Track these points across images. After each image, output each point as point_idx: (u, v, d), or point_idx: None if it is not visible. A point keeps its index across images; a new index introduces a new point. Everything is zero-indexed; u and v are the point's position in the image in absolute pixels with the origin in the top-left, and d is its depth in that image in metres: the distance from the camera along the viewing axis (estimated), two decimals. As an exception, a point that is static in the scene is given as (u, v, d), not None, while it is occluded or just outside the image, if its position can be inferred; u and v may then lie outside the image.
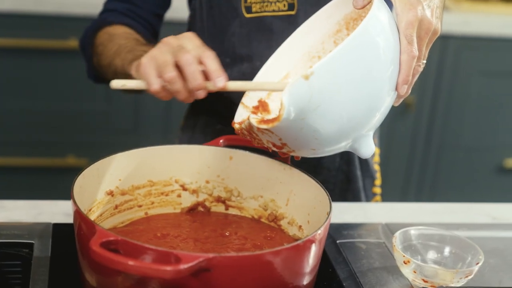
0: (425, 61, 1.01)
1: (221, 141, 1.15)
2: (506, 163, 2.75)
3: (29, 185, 2.49)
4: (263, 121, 0.94)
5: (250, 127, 0.96)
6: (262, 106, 1.04)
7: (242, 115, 1.04)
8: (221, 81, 1.01)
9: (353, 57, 0.90)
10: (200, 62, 0.99)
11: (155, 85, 0.99)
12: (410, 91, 0.98)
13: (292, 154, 1.05)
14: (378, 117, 0.98)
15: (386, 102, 0.97)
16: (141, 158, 1.12)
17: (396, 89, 0.95)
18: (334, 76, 0.90)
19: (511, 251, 1.22)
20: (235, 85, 1.04)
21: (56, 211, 1.21)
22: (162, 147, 1.15)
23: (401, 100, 0.99)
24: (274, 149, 1.01)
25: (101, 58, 1.37)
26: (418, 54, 0.97)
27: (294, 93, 0.87)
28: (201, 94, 1.01)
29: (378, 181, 1.53)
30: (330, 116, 0.93)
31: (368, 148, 0.99)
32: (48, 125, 2.45)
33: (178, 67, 0.99)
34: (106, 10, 1.46)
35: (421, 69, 1.00)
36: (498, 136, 2.74)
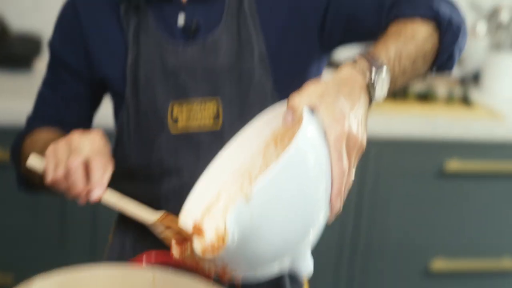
0: (353, 176, 1.03)
1: (144, 258, 1.20)
2: (432, 265, 2.72)
3: None
4: (207, 250, 0.96)
5: (193, 255, 0.99)
6: (195, 230, 1.03)
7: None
8: (95, 194, 1.08)
9: (288, 176, 0.91)
10: (87, 168, 1.06)
11: (49, 177, 1.06)
12: (342, 206, 0.99)
13: (236, 279, 1.04)
14: (315, 231, 0.99)
15: (320, 216, 0.98)
16: (61, 282, 1.10)
17: (330, 203, 0.96)
18: (273, 196, 0.90)
19: None
20: (111, 200, 1.10)
21: None
22: (83, 270, 1.14)
23: (334, 216, 0.99)
24: (215, 272, 1.02)
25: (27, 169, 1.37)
26: (348, 168, 0.98)
27: (238, 216, 0.89)
28: (81, 199, 1.09)
29: None
30: (270, 236, 0.93)
31: (307, 264, 0.99)
32: None
33: None
34: (33, 117, 1.47)
35: (351, 181, 1.01)
36: (423, 238, 2.72)
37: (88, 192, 1.09)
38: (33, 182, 1.38)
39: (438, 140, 2.61)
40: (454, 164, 2.59)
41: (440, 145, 2.62)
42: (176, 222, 1.17)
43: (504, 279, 2.85)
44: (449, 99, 2.81)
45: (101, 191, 1.09)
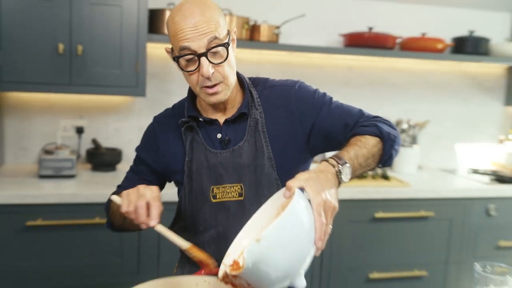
0: (331, 227, 1.19)
1: (202, 272, 1.36)
2: (370, 275, 3.22)
3: None
4: (233, 269, 1.10)
5: (226, 275, 1.14)
6: (236, 264, 1.12)
7: (222, 270, 1.20)
8: (151, 223, 1.30)
9: (286, 226, 1.09)
10: (149, 206, 1.28)
11: (123, 209, 1.30)
12: (324, 245, 1.16)
13: None
14: (307, 261, 1.16)
15: (310, 252, 1.15)
16: (153, 287, 1.32)
17: (315, 244, 1.14)
18: (275, 239, 1.07)
19: None
20: (160, 229, 1.32)
21: None
22: (164, 280, 1.33)
23: (319, 251, 1.16)
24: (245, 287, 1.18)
25: (112, 213, 1.62)
26: (326, 222, 1.16)
27: (251, 252, 1.04)
28: (143, 226, 1.31)
29: None
30: (276, 264, 1.09)
31: (302, 282, 1.16)
32: (83, 272, 2.77)
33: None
34: (119, 186, 1.73)
35: (329, 231, 1.18)
36: (364, 259, 3.24)
37: (148, 222, 1.31)
38: (115, 225, 1.60)
39: (371, 199, 3.17)
40: (380, 214, 3.19)
41: (372, 203, 3.18)
42: (197, 252, 1.37)
43: (415, 282, 3.35)
44: (375, 176, 3.44)
45: (155, 222, 1.30)
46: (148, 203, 1.30)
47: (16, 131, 3.35)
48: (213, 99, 1.48)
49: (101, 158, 3.27)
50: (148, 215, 1.30)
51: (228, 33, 1.48)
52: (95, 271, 2.81)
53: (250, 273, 1.09)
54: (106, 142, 3.49)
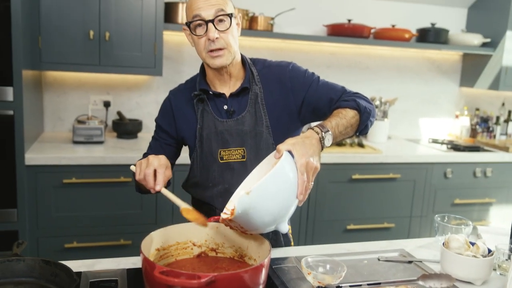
0: (312, 183, 1.20)
1: (212, 219, 1.32)
2: (348, 226, 3.26)
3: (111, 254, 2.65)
4: (226, 214, 1.16)
5: (223, 219, 1.18)
6: (232, 213, 1.14)
7: (223, 215, 1.20)
8: (156, 187, 1.31)
9: (270, 183, 1.11)
10: (156, 173, 1.31)
11: (136, 177, 1.35)
12: (305, 198, 1.19)
13: (248, 232, 1.25)
14: (290, 211, 1.19)
15: (293, 204, 1.18)
16: (171, 230, 1.31)
17: (297, 197, 1.18)
18: (263, 192, 1.10)
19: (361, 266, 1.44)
20: (165, 192, 1.32)
21: (125, 263, 1.39)
22: (182, 224, 1.34)
23: (301, 203, 1.19)
24: (239, 229, 1.23)
25: None
26: (307, 180, 1.18)
27: (241, 202, 1.08)
28: (152, 191, 1.33)
29: (292, 242, 1.73)
30: (262, 213, 1.12)
31: (285, 227, 1.20)
32: (110, 221, 2.81)
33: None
34: (144, 154, 1.70)
35: (310, 187, 1.20)
36: (343, 213, 3.26)
37: (154, 187, 1.32)
38: (142, 189, 1.54)
39: (349, 163, 3.21)
40: (356, 176, 3.23)
41: (349, 166, 3.22)
42: (188, 212, 1.33)
43: (385, 232, 3.40)
44: (352, 144, 3.47)
45: (159, 187, 1.31)
46: (155, 170, 1.31)
47: (53, 104, 3.35)
48: (217, 62, 1.48)
49: (124, 127, 3.27)
50: (155, 181, 1.31)
51: (235, 15, 1.52)
52: (119, 221, 2.84)
53: (241, 218, 1.11)
54: (129, 114, 3.50)
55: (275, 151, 1.23)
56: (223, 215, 1.14)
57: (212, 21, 1.44)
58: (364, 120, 1.47)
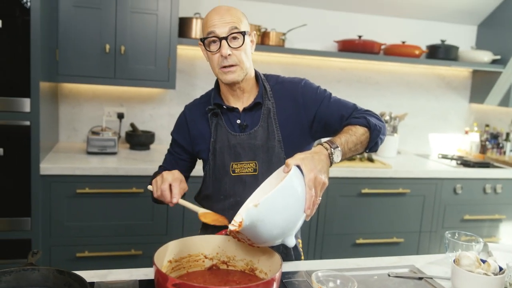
0: (320, 198, 1.20)
1: (223, 232, 1.36)
2: (357, 241, 3.21)
3: (121, 264, 2.72)
4: (233, 226, 1.14)
5: (232, 231, 1.18)
6: (239, 225, 1.14)
7: (231, 227, 1.20)
8: (173, 200, 1.34)
9: (278, 197, 1.10)
10: (171, 186, 1.34)
11: (154, 194, 1.39)
12: (313, 213, 1.18)
13: (254, 245, 1.23)
14: (297, 225, 1.18)
15: (300, 218, 1.17)
16: (184, 242, 1.31)
17: (305, 211, 1.18)
18: (271, 205, 1.09)
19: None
20: (182, 203, 1.35)
21: (137, 274, 1.38)
22: (194, 237, 1.34)
23: (309, 217, 1.18)
24: (247, 242, 1.23)
25: None
26: (315, 195, 1.18)
27: (249, 214, 1.08)
28: (170, 204, 1.36)
29: (302, 256, 1.73)
30: (269, 226, 1.12)
31: (292, 241, 1.19)
32: (121, 231, 2.79)
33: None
34: (160, 166, 1.73)
35: (318, 202, 1.19)
36: (352, 227, 3.22)
37: (171, 200, 1.35)
38: (158, 200, 1.54)
39: (358, 178, 3.17)
40: (365, 190, 3.19)
41: (359, 181, 3.18)
42: (206, 216, 1.37)
43: (394, 247, 3.35)
44: (362, 158, 3.40)
45: (176, 200, 1.35)
46: (170, 185, 1.34)
47: (68, 115, 3.36)
48: (228, 77, 1.49)
49: (137, 139, 3.27)
50: (172, 194, 1.34)
51: (249, 32, 1.53)
52: (130, 231, 2.84)
53: (249, 230, 1.11)
54: (142, 126, 3.50)
55: (284, 165, 1.23)
56: (231, 227, 1.14)
57: (225, 38, 1.46)
58: (374, 137, 1.47)
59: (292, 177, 1.14)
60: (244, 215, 1.07)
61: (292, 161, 1.20)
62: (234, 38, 1.47)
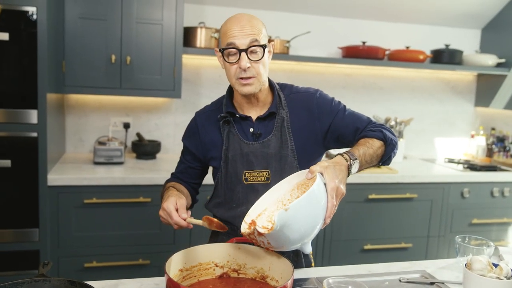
0: (336, 207, 1.22)
1: (234, 240, 1.38)
2: (365, 247, 3.19)
3: (129, 274, 2.53)
4: (265, 229, 1.14)
5: (252, 233, 1.18)
6: (252, 223, 1.21)
7: (244, 227, 1.24)
8: (183, 223, 1.36)
9: (306, 202, 1.13)
10: (177, 210, 1.37)
11: (162, 220, 1.42)
12: (329, 221, 1.21)
13: (271, 249, 1.24)
14: (315, 232, 1.20)
15: (318, 225, 1.20)
16: (194, 251, 1.32)
17: (324, 219, 1.21)
18: (299, 210, 1.12)
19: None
20: (190, 221, 1.37)
21: (148, 283, 1.38)
22: (205, 245, 1.35)
23: (325, 225, 1.22)
24: (264, 245, 1.23)
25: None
26: (335, 204, 1.21)
27: (280, 217, 1.10)
28: (183, 227, 1.38)
29: (313, 263, 1.74)
30: (294, 230, 1.13)
31: (309, 248, 1.23)
32: (129, 241, 2.80)
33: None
34: (173, 174, 1.75)
35: (335, 210, 1.22)
36: (360, 233, 3.20)
37: (181, 224, 1.39)
38: None
39: (365, 183, 3.16)
40: (373, 195, 3.18)
41: (366, 186, 3.17)
42: (212, 219, 1.38)
43: (402, 253, 3.33)
44: None
45: (184, 223, 1.38)
46: (176, 209, 1.37)
47: (75, 126, 3.38)
48: (245, 89, 1.49)
49: (144, 148, 3.28)
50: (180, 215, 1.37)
51: (268, 43, 1.52)
52: (138, 240, 2.84)
53: (275, 234, 1.11)
54: (148, 135, 3.51)
55: (301, 171, 1.27)
56: (260, 229, 1.14)
57: (245, 50, 1.45)
58: (388, 151, 1.48)
59: (320, 185, 1.16)
60: (277, 218, 1.08)
61: (316, 167, 1.22)
62: (254, 51, 1.46)
